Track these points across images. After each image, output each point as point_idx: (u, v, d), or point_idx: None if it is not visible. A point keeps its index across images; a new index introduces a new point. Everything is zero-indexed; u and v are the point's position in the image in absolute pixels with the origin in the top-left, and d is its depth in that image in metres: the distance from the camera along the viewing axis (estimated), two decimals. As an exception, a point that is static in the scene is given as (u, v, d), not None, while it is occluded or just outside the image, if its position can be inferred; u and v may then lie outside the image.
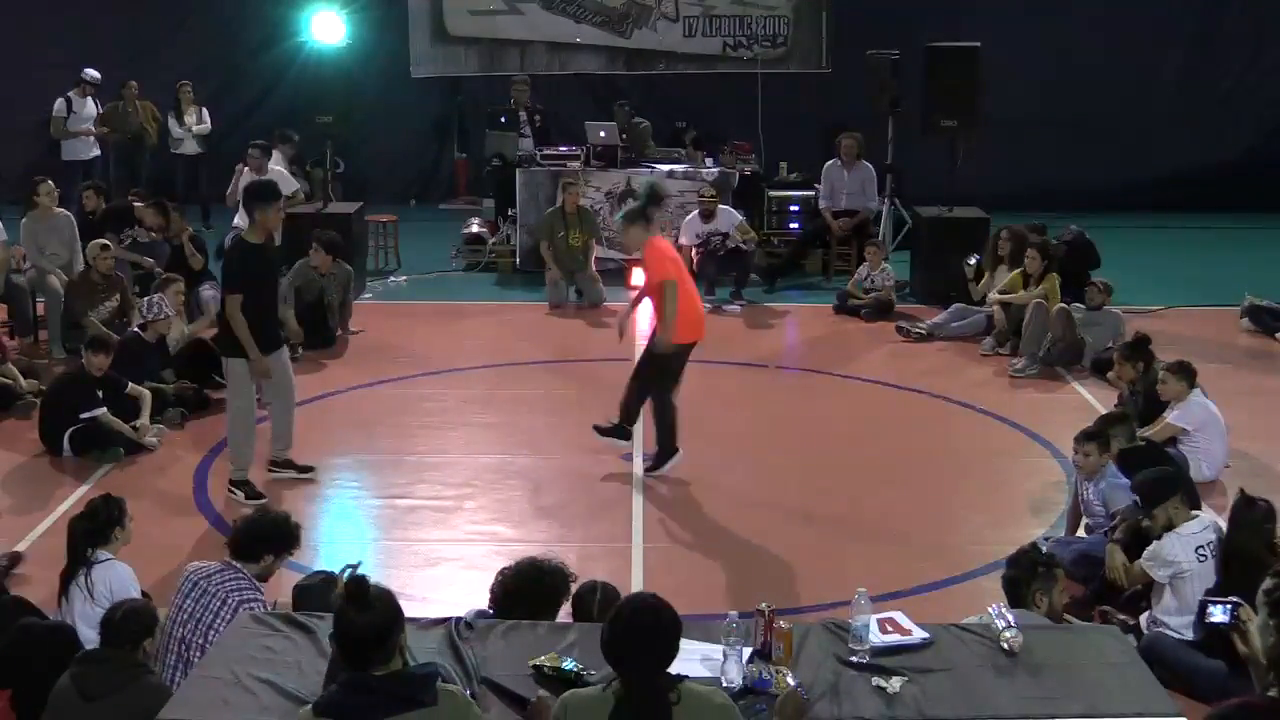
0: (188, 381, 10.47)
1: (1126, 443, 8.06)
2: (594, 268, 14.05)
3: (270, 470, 9.11)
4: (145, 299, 10.84)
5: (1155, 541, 6.81)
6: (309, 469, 9.16)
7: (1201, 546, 6.72)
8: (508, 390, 11.18)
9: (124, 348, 10.24)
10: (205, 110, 16.55)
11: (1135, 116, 17.64)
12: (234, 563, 5.91)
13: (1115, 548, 7.18)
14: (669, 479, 9.19)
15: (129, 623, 5.36)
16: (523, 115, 15.70)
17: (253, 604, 5.73)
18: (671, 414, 9.09)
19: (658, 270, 8.81)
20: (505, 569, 5.60)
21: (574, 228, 13.95)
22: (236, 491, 8.79)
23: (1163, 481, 7.04)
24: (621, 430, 9.24)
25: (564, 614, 5.64)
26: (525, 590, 5.42)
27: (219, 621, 5.64)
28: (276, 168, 14.29)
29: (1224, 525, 7.15)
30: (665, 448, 9.14)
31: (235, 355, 8.67)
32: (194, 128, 16.39)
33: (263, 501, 8.62)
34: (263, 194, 8.70)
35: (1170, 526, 6.83)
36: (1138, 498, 7.10)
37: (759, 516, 8.64)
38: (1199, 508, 7.80)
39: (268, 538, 6.04)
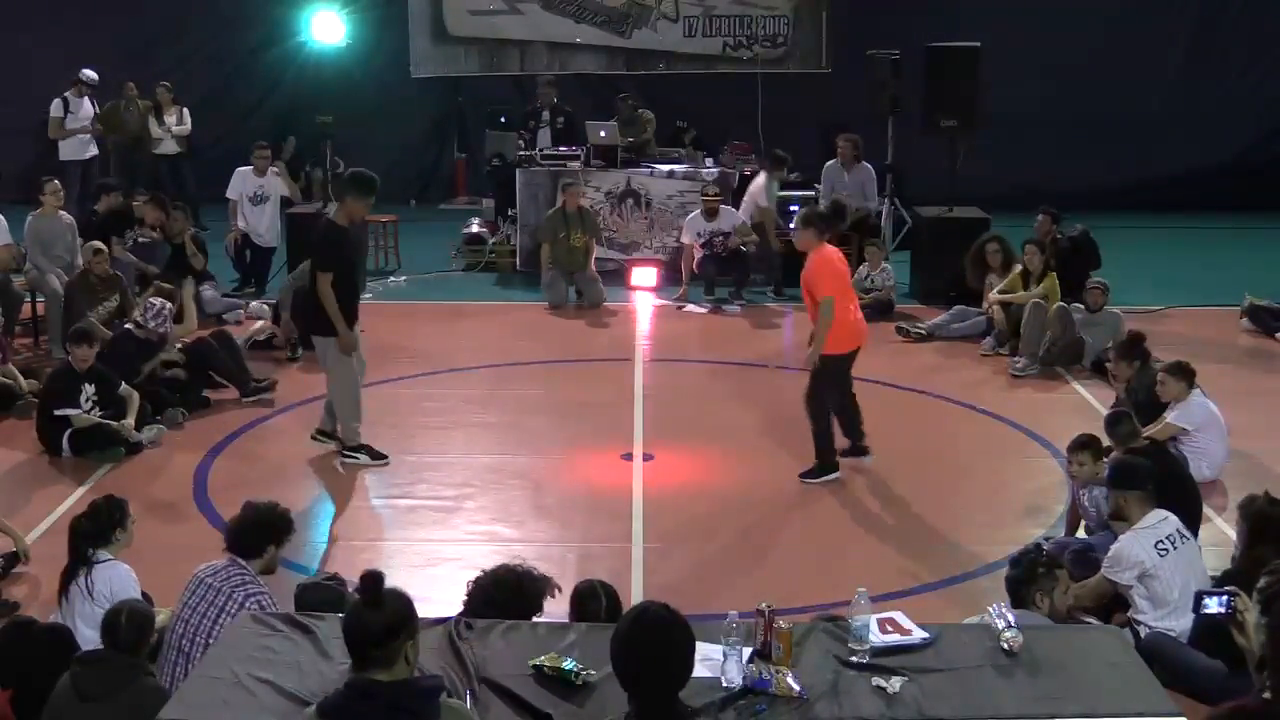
0: (182, 375, 10.44)
1: (1131, 438, 7.99)
2: (594, 268, 14.05)
3: (316, 438, 9.55)
4: (148, 301, 10.81)
5: (1113, 546, 6.78)
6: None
7: (1161, 541, 6.69)
8: (508, 390, 11.18)
9: (115, 345, 10.22)
10: (186, 110, 16.42)
11: (1135, 116, 17.62)
12: (238, 559, 5.90)
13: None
14: (668, 479, 9.20)
15: (130, 624, 5.35)
16: (546, 115, 15.67)
17: (259, 597, 5.71)
18: (849, 415, 9.21)
19: (820, 285, 8.82)
20: (481, 575, 5.45)
21: (575, 228, 13.93)
22: (358, 455, 9.29)
23: (1130, 469, 7.09)
24: (825, 468, 9.07)
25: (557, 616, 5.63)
26: (505, 599, 5.29)
27: (224, 617, 5.61)
28: (273, 169, 14.30)
29: (1227, 528, 7.14)
30: (825, 458, 9.07)
31: (327, 334, 9.10)
32: (174, 128, 16.34)
33: (385, 460, 9.30)
34: (359, 185, 9.17)
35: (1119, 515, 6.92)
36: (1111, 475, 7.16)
37: (759, 516, 8.64)
38: (1200, 509, 7.79)
39: (265, 527, 6.01)
